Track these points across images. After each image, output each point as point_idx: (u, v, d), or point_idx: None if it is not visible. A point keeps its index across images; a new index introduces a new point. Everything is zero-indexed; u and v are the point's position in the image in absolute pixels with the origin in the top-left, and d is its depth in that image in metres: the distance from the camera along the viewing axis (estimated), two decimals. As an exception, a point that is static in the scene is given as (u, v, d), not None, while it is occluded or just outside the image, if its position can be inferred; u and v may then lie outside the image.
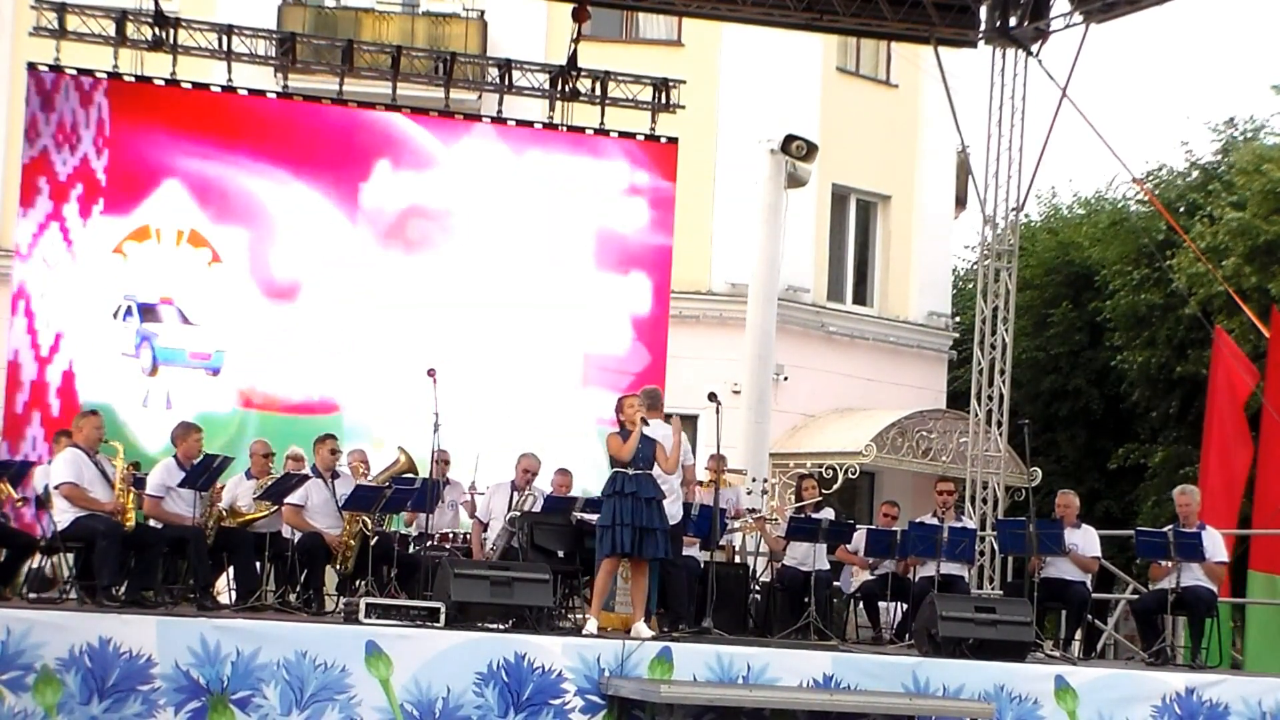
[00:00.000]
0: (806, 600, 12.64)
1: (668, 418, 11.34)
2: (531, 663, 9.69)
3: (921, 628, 11.35)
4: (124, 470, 11.28)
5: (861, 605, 13.81)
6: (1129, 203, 26.47)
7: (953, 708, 10.32)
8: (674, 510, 11.46)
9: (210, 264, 15.93)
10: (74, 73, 15.59)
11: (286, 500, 12.11)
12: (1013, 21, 16.84)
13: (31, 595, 11.26)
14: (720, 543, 13.01)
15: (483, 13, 22.15)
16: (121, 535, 10.93)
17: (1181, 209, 23.04)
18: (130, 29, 15.95)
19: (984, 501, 16.92)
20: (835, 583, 13.67)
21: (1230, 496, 15.88)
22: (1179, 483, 14.28)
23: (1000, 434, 17.04)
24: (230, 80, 16.19)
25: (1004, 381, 17.00)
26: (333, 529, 12.20)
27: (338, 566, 12.35)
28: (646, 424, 10.80)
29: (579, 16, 16.27)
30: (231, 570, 12.10)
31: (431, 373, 11.92)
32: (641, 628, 10.43)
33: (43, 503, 11.91)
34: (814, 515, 13.29)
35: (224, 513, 12.21)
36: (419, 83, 17.37)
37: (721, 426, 11.49)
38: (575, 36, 16.52)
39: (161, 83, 15.87)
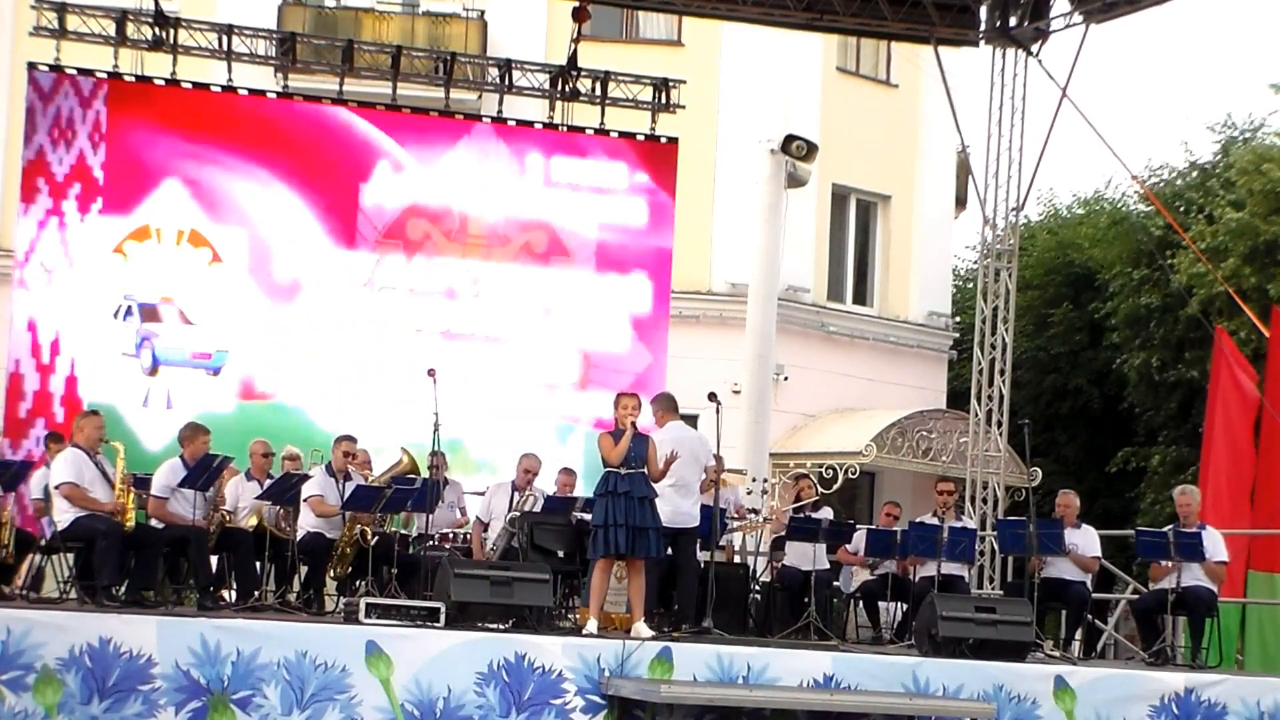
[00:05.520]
0: (806, 600, 12.65)
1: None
2: (532, 663, 9.69)
3: (921, 628, 11.34)
4: (124, 470, 11.27)
5: (861, 605, 13.82)
6: (1129, 203, 26.51)
7: (953, 708, 10.32)
8: (695, 512, 11.49)
9: (210, 264, 15.93)
10: (74, 73, 15.59)
11: (309, 492, 12.12)
12: (1013, 21, 16.85)
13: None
14: (720, 543, 13.02)
15: (483, 13, 22.17)
16: (121, 535, 10.93)
17: (1181, 209, 23.06)
18: (130, 29, 15.94)
19: (984, 501, 16.92)
20: (835, 583, 13.67)
21: (1241, 496, 15.87)
22: (1178, 484, 14.28)
23: (1000, 434, 17.04)
24: (230, 80, 16.18)
25: (1004, 381, 17.00)
26: (335, 530, 12.22)
27: (333, 571, 12.36)
28: (636, 428, 10.79)
29: (579, 16, 16.27)
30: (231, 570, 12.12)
31: (431, 373, 11.93)
32: (641, 628, 10.43)
33: (42, 511, 11.95)
34: (813, 515, 13.31)
35: (227, 515, 12.23)
36: (419, 83, 17.37)
37: (721, 426, 11.49)
38: (575, 36, 16.52)
39: (161, 83, 15.86)
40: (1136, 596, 14.50)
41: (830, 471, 20.86)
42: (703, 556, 11.79)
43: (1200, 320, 19.83)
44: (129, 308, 15.68)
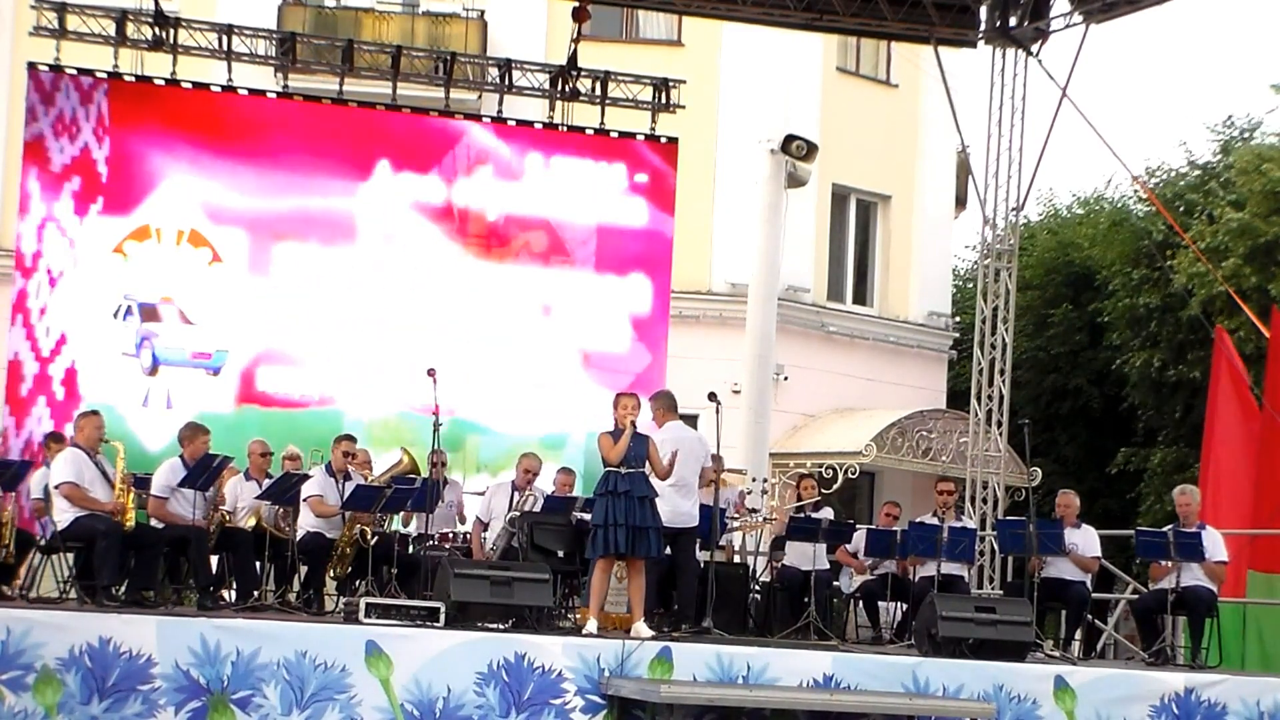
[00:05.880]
0: (806, 600, 12.65)
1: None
2: (532, 663, 9.70)
3: (921, 628, 11.34)
4: (124, 470, 11.27)
5: (861, 605, 13.82)
6: (1129, 203, 26.52)
7: (953, 708, 10.32)
8: (695, 512, 11.50)
9: (210, 264, 15.92)
10: (74, 73, 15.58)
11: (308, 492, 12.12)
12: (1013, 21, 16.84)
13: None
14: (720, 542, 13.01)
15: (483, 13, 22.16)
16: (121, 535, 10.93)
17: (1181, 209, 23.06)
18: (130, 29, 15.94)
19: (984, 501, 16.92)
20: (835, 583, 13.67)
21: (1242, 496, 15.87)
22: (1178, 484, 14.27)
23: (1000, 434, 17.04)
24: (230, 80, 16.18)
25: (1004, 381, 17.00)
26: (334, 530, 12.22)
27: (333, 571, 12.35)
28: (635, 427, 10.81)
29: (579, 16, 16.27)
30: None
31: (431, 373, 11.93)
32: (641, 627, 10.43)
33: (42, 511, 11.95)
34: (814, 515, 13.31)
35: (227, 515, 12.23)
36: (419, 83, 17.37)
37: (721, 426, 11.50)
38: (575, 36, 16.52)
39: (161, 83, 15.86)
40: (1136, 596, 14.49)
41: (830, 471, 20.85)
42: (703, 556, 11.81)
43: (1201, 320, 19.82)
44: (129, 308, 15.67)
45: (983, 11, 17.12)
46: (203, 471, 11.58)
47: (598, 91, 16.98)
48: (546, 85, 17.10)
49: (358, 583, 11.95)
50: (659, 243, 17.02)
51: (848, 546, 13.56)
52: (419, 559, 12.28)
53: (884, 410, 22.29)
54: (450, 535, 13.31)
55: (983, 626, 11.00)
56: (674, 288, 17.47)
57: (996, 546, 15.52)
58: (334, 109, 16.39)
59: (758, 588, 13.81)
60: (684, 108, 17.35)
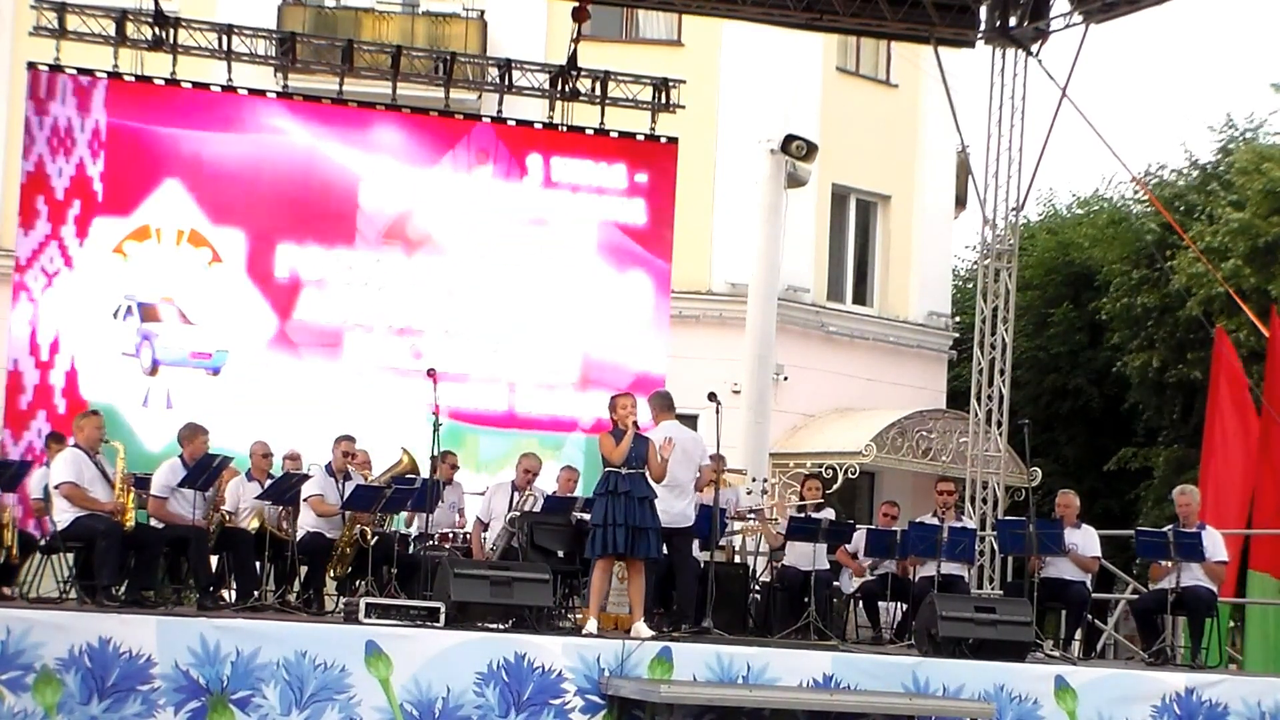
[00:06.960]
0: (806, 600, 12.63)
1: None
2: (531, 663, 9.70)
3: (921, 628, 11.34)
4: (124, 470, 11.27)
5: (861, 605, 13.81)
6: (1128, 203, 26.52)
7: (953, 708, 10.33)
8: (689, 512, 11.49)
9: (210, 264, 15.93)
10: (74, 72, 15.59)
11: (309, 492, 12.12)
12: (1013, 21, 16.85)
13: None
14: (720, 543, 13.00)
15: (483, 13, 22.16)
16: (121, 535, 10.93)
17: (1181, 209, 23.06)
18: (130, 29, 15.96)
19: (984, 501, 16.92)
20: (835, 583, 13.66)
21: (1241, 496, 15.87)
22: (1179, 484, 14.27)
23: (1000, 434, 17.04)
24: (230, 80, 16.19)
25: (1004, 381, 17.00)
26: (334, 530, 12.22)
27: (333, 571, 12.35)
28: (638, 427, 10.80)
29: (579, 16, 16.27)
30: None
31: (431, 373, 11.94)
32: (641, 627, 10.43)
33: (42, 511, 11.94)
34: (814, 515, 13.30)
35: (227, 515, 12.22)
36: (419, 83, 17.38)
37: (721, 426, 11.48)
38: (575, 36, 16.53)
39: (161, 83, 15.88)
40: (1136, 596, 14.49)
41: (830, 471, 20.84)
42: (703, 556, 11.79)
43: (1201, 320, 19.82)
44: (129, 307, 15.69)
45: (983, 11, 17.12)
46: (202, 471, 11.58)
47: (598, 91, 16.99)
48: (546, 85, 17.10)
49: (358, 583, 11.95)
50: (659, 243, 17.02)
51: (847, 547, 13.55)
52: (419, 559, 12.28)
53: (884, 410, 22.29)
54: (450, 535, 13.30)
55: (983, 626, 10.99)
56: (674, 288, 17.48)
57: (996, 546, 15.51)
58: (334, 109, 16.40)
59: (758, 588, 13.80)
60: (684, 108, 17.37)
